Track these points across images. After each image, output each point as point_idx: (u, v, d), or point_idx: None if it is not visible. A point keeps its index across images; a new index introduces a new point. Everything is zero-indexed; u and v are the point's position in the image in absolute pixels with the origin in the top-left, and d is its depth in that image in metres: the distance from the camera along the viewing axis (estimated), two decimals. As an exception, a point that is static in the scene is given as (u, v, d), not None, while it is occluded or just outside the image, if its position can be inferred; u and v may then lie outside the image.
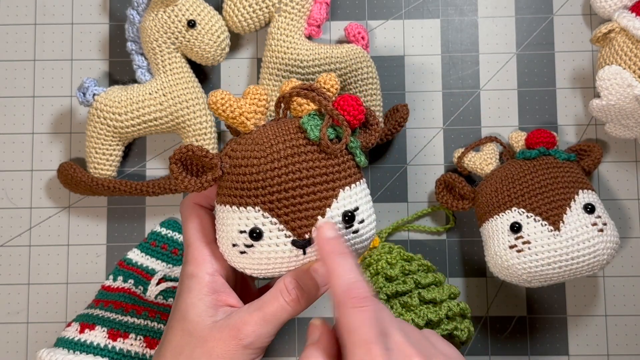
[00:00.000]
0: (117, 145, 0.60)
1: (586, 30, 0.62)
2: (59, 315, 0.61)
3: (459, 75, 0.62)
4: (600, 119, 0.59)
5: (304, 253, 0.42)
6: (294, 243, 0.41)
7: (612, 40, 0.57)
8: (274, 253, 0.42)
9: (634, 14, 0.56)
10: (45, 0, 0.64)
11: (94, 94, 0.58)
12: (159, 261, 0.61)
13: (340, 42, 0.63)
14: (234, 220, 0.42)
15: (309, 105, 0.44)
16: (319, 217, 0.41)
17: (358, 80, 0.58)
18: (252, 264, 0.43)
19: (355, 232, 0.43)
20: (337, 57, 0.58)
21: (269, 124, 0.43)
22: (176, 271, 0.60)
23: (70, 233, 0.62)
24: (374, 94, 0.59)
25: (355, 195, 0.43)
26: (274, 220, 0.41)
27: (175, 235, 0.61)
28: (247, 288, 0.49)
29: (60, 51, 0.63)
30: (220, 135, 0.62)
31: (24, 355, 0.61)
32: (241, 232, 0.42)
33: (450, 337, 0.54)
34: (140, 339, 0.56)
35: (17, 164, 0.62)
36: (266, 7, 0.59)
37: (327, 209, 0.41)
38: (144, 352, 0.55)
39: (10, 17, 0.64)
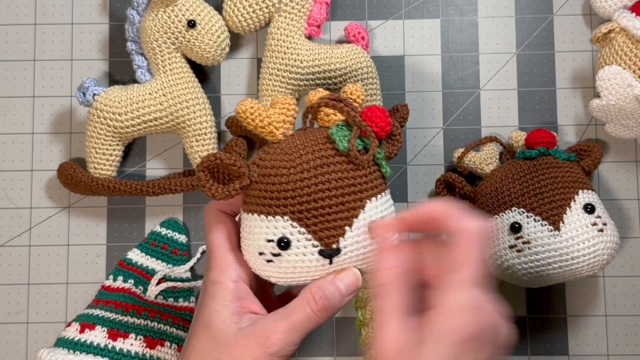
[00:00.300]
0: (117, 145, 0.60)
1: (586, 30, 0.62)
2: (59, 315, 0.61)
3: (459, 75, 0.62)
4: (600, 119, 0.59)
5: (330, 262, 0.42)
6: (321, 253, 0.42)
7: (612, 40, 0.57)
8: (301, 262, 0.42)
9: (634, 14, 0.56)
10: (45, 0, 0.64)
11: (94, 94, 0.58)
12: (159, 261, 0.61)
13: (340, 42, 0.63)
14: (261, 229, 0.42)
15: (335, 115, 0.44)
16: (347, 228, 0.41)
17: (358, 80, 0.58)
18: (278, 272, 0.43)
19: None
20: (337, 57, 0.58)
21: (297, 133, 0.43)
22: (176, 271, 0.60)
23: (70, 233, 0.62)
24: (374, 94, 0.59)
25: (381, 206, 0.43)
26: (302, 230, 0.41)
27: (175, 235, 0.61)
28: (267, 295, 0.49)
29: (60, 51, 0.63)
30: (220, 136, 0.62)
31: (24, 355, 0.61)
32: (269, 241, 0.42)
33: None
34: (140, 339, 0.56)
35: (17, 164, 0.62)
36: (266, 7, 0.59)
37: (355, 219, 0.42)
38: (144, 352, 0.55)
39: (10, 17, 0.64)
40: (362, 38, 0.59)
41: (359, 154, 0.42)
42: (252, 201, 0.42)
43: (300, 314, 0.42)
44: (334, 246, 0.41)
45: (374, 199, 0.42)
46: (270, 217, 0.42)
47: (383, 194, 0.44)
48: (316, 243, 0.41)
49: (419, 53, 0.62)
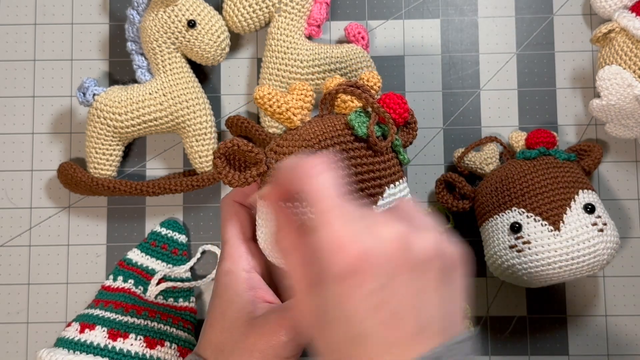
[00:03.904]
0: (117, 145, 0.60)
1: (586, 30, 0.62)
2: (59, 315, 0.61)
3: (459, 75, 0.62)
4: (600, 119, 0.59)
5: None
6: None
7: (612, 40, 0.57)
8: None
9: (634, 14, 0.56)
10: (45, 0, 0.64)
11: (94, 94, 0.58)
12: (159, 261, 0.61)
13: (340, 42, 0.63)
14: None
15: (353, 102, 0.44)
16: None
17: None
18: None
19: None
20: (337, 57, 0.58)
21: (314, 120, 0.43)
22: (176, 271, 0.60)
23: (70, 233, 0.62)
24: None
25: (399, 193, 0.43)
26: None
27: (175, 235, 0.61)
28: (281, 286, 0.49)
29: (60, 51, 0.63)
30: (220, 136, 0.62)
31: (24, 355, 0.61)
32: None
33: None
34: (140, 339, 0.56)
35: (17, 164, 0.62)
36: (266, 7, 0.59)
37: (373, 206, 0.41)
38: (144, 352, 0.55)
39: (10, 17, 0.64)
40: (362, 38, 0.59)
41: (378, 140, 0.42)
42: None
43: None
44: None
45: (392, 185, 0.42)
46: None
47: (401, 181, 0.43)
48: None
49: (419, 53, 0.62)
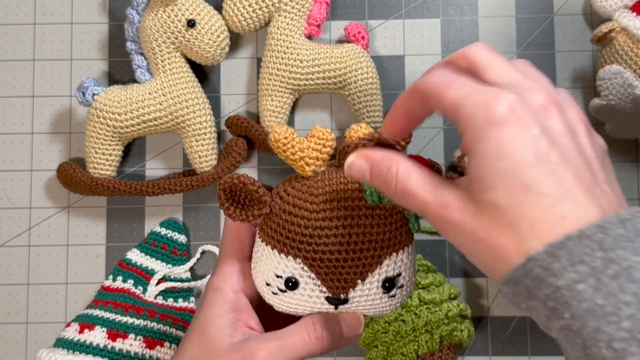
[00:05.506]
0: (117, 145, 0.60)
1: (586, 30, 0.62)
2: (59, 315, 0.61)
3: (459, 75, 0.62)
4: (600, 119, 0.59)
5: (336, 308, 0.41)
6: (327, 299, 0.40)
7: (612, 40, 0.57)
8: (305, 303, 0.41)
9: (634, 14, 0.56)
10: (45, 0, 0.64)
11: (94, 94, 0.58)
12: (159, 261, 0.61)
13: (340, 42, 0.63)
14: (272, 262, 0.41)
15: None
16: (359, 281, 0.40)
17: (358, 80, 0.58)
18: (281, 304, 0.42)
19: (392, 296, 0.41)
20: (337, 57, 0.58)
21: (328, 171, 0.41)
22: (176, 271, 0.60)
23: (70, 233, 0.62)
24: (374, 94, 0.59)
25: (400, 262, 0.41)
26: (313, 275, 0.40)
27: (175, 235, 0.61)
28: (272, 311, 0.48)
29: (60, 51, 0.63)
30: (220, 136, 0.62)
31: (24, 355, 0.61)
32: (277, 276, 0.41)
33: (450, 338, 0.54)
34: (139, 339, 0.56)
35: (16, 164, 0.62)
36: (266, 7, 0.59)
37: (369, 274, 0.40)
38: (144, 352, 0.55)
39: (10, 17, 0.63)
40: (362, 38, 0.59)
41: (387, 205, 0.40)
42: (268, 233, 0.41)
43: (296, 337, 0.41)
44: (342, 296, 0.40)
45: (394, 254, 0.41)
46: (282, 255, 0.40)
47: (405, 248, 0.41)
48: (324, 289, 0.40)
49: (419, 53, 0.62)
